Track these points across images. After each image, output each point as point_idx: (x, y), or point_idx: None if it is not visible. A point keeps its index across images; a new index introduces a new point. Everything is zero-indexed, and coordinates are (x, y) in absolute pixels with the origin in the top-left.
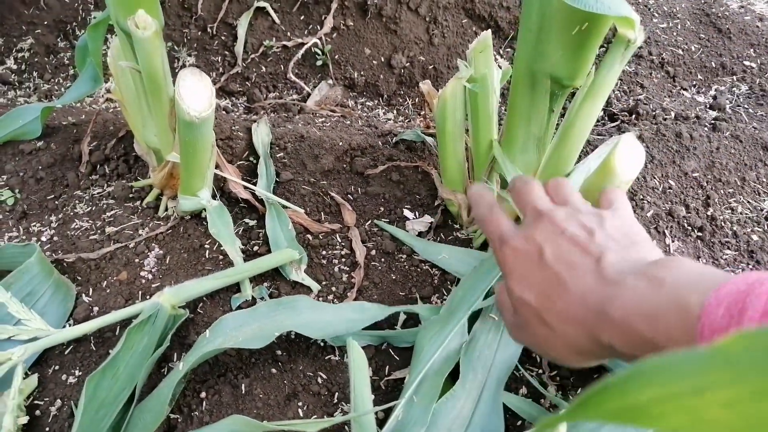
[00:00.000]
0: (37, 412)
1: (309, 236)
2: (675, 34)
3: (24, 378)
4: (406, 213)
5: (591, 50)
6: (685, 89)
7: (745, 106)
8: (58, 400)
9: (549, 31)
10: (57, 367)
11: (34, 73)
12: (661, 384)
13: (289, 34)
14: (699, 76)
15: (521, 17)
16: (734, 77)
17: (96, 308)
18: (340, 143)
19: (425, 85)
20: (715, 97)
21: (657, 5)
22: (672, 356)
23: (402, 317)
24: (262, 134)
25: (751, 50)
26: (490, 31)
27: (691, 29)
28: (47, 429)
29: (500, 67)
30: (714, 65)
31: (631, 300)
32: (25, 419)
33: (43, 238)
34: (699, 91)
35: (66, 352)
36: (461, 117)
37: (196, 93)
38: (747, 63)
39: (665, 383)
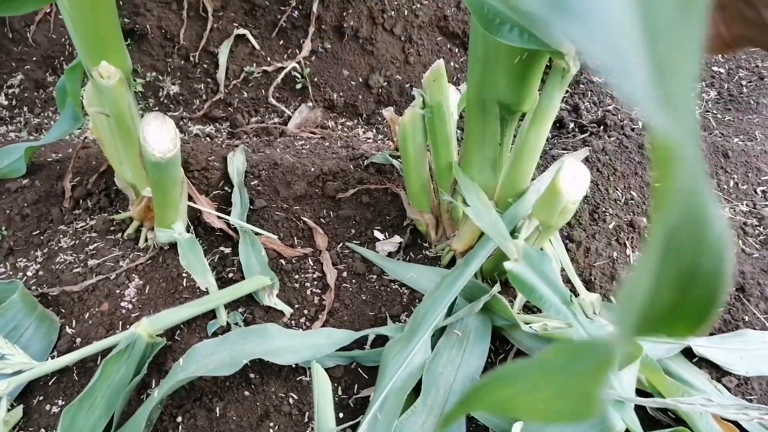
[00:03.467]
0: None
1: (282, 261)
2: None
3: (9, 410)
4: (377, 234)
5: (534, 78)
6: None
7: (713, 111)
8: (42, 430)
9: (494, 60)
10: (41, 398)
11: (25, 108)
12: (513, 385)
13: (269, 59)
14: None
15: (469, 47)
16: (703, 83)
17: (79, 339)
18: (312, 168)
19: (388, 112)
20: None
21: None
22: (520, 364)
23: (371, 337)
24: (237, 163)
25: (720, 56)
26: (442, 60)
27: None
28: None
29: (459, 92)
30: None
31: None
32: None
33: (29, 273)
34: None
35: (50, 383)
36: (422, 141)
37: (159, 136)
38: (715, 69)
39: (514, 384)
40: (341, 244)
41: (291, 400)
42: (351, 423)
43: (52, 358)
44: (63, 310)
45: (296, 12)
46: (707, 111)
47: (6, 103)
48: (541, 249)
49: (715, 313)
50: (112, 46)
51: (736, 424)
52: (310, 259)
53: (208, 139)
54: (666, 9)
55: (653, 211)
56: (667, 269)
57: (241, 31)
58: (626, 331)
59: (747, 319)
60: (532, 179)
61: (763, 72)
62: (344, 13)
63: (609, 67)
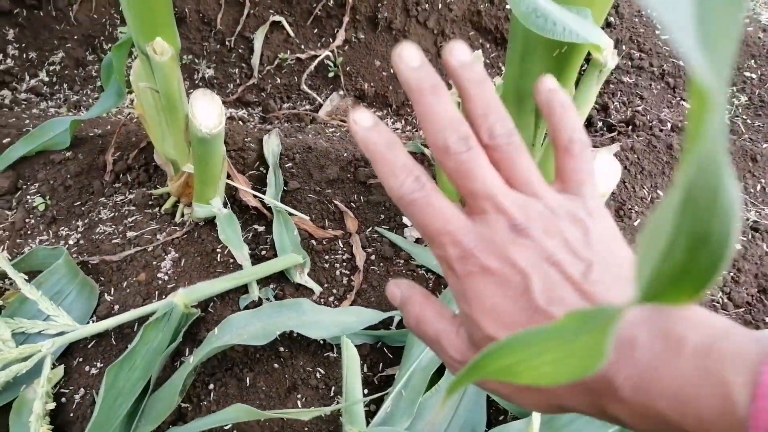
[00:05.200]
0: (63, 400)
1: (313, 242)
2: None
3: (52, 368)
4: (405, 220)
5: (571, 70)
6: (684, 100)
7: (743, 116)
8: (82, 389)
9: (532, 52)
10: (81, 359)
11: (65, 85)
12: (519, 351)
13: (303, 46)
14: None
15: (509, 39)
16: (734, 88)
17: (117, 306)
18: (345, 154)
19: None
20: None
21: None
22: (527, 332)
23: (396, 318)
24: (272, 145)
25: (752, 61)
26: (480, 50)
27: None
28: (71, 414)
29: (494, 83)
30: None
31: (646, 371)
32: (52, 405)
33: (71, 242)
34: None
35: (89, 346)
36: None
37: (207, 112)
38: (747, 74)
39: (522, 351)
40: (370, 228)
41: (318, 375)
42: (375, 398)
43: (92, 322)
44: (102, 278)
45: (331, 1)
46: (737, 116)
47: (47, 79)
48: None
49: (717, 279)
50: (164, 25)
51: None
52: (340, 242)
53: (241, 122)
54: None
55: (680, 165)
56: (683, 229)
57: (277, 18)
58: (639, 291)
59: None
60: None
61: None
62: (379, 5)
63: (666, 24)
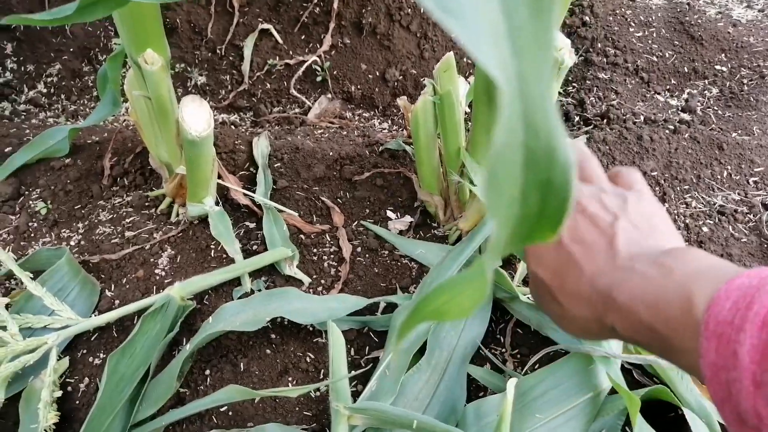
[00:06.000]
0: (69, 389)
1: (302, 236)
2: (650, 41)
3: (58, 360)
4: (389, 214)
5: None
6: (658, 93)
7: (714, 108)
8: (86, 378)
9: None
10: (85, 351)
11: (62, 96)
12: (446, 293)
13: (291, 52)
14: (672, 81)
15: None
16: (706, 81)
17: (117, 301)
18: (331, 153)
19: (401, 101)
20: (687, 101)
21: (634, 15)
22: (449, 280)
23: (382, 305)
24: (261, 147)
25: (722, 55)
26: (452, 53)
27: (665, 37)
28: (77, 402)
29: (469, 83)
30: (687, 70)
31: (638, 286)
32: (59, 393)
33: (72, 243)
34: (672, 95)
35: (92, 338)
36: (433, 128)
37: (196, 117)
38: (718, 67)
39: (447, 293)
40: (356, 222)
41: (308, 359)
42: (360, 376)
43: (95, 316)
44: (103, 276)
45: (318, 8)
46: (708, 107)
47: (45, 90)
48: None
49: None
50: (154, 37)
51: None
52: (327, 235)
53: (233, 127)
54: (522, 13)
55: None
56: (531, 181)
57: (266, 25)
58: (499, 241)
59: None
60: None
61: (764, 71)
62: (363, 10)
63: (480, 52)
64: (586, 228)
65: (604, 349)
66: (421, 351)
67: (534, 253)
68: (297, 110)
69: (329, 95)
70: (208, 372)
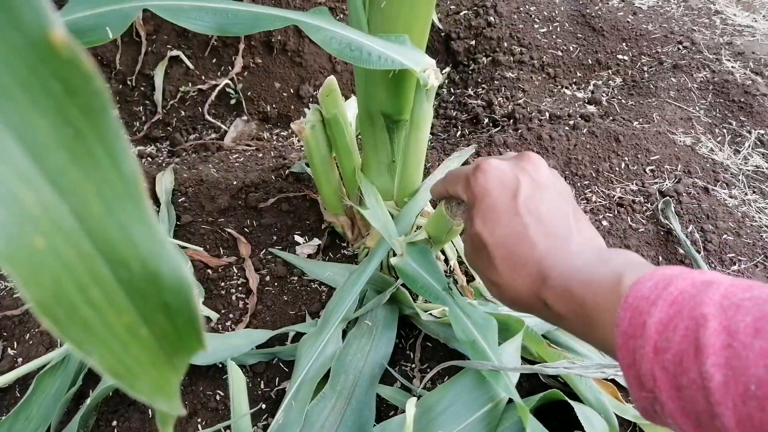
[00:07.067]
0: None
1: (209, 270)
2: (554, 37)
3: None
4: (297, 238)
5: (408, 89)
6: (565, 87)
7: (618, 97)
8: None
9: (373, 76)
10: None
11: None
12: None
13: (203, 77)
14: (578, 74)
15: (354, 67)
16: (609, 71)
17: (20, 359)
18: (235, 182)
19: (295, 125)
20: (592, 92)
21: (538, 11)
22: None
23: (291, 335)
24: (165, 183)
25: (623, 44)
26: (333, 76)
27: (569, 31)
28: None
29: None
30: (591, 62)
31: (577, 266)
32: None
33: None
34: (579, 88)
35: None
36: (327, 151)
37: None
38: (620, 57)
39: None
40: (264, 250)
41: (218, 397)
42: (273, 411)
43: None
44: (5, 333)
45: None
46: (613, 97)
47: None
48: (427, 244)
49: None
50: None
51: (614, 382)
52: (234, 267)
53: (149, 159)
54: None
55: None
56: (143, 306)
57: (175, 52)
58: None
59: None
60: (425, 177)
61: (663, 57)
62: (272, 30)
63: None
64: (549, 202)
65: (492, 363)
66: (324, 378)
67: (484, 216)
68: (213, 135)
69: (245, 117)
70: (115, 423)
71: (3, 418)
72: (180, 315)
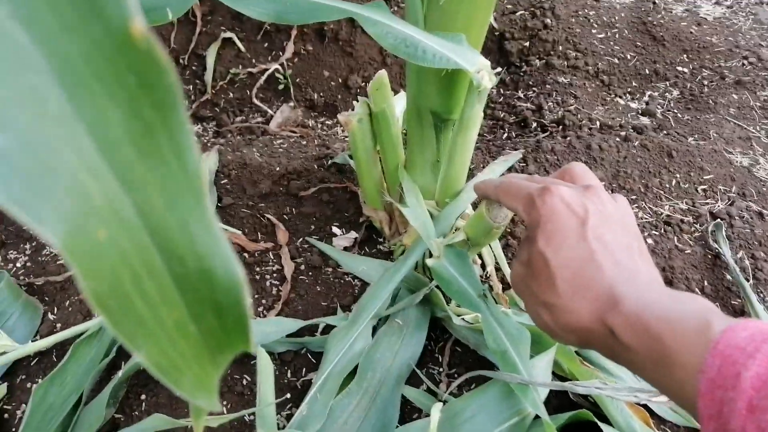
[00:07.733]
0: (6, 416)
1: (246, 254)
2: (612, 43)
3: None
4: (335, 230)
5: (460, 89)
6: (619, 96)
7: (675, 110)
8: (23, 405)
9: (426, 73)
10: (24, 377)
11: None
12: None
13: (254, 60)
14: (633, 84)
15: (405, 63)
16: (667, 83)
17: (59, 325)
18: (278, 168)
19: (342, 116)
20: (647, 103)
21: (597, 16)
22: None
23: (321, 326)
24: (210, 164)
25: (684, 56)
26: (384, 71)
27: (628, 38)
28: (14, 429)
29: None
30: (648, 72)
31: (653, 300)
32: None
33: (18, 264)
34: (633, 98)
35: (32, 364)
36: (371, 145)
37: None
38: (680, 68)
39: None
40: (301, 239)
41: (245, 382)
42: (298, 401)
43: (34, 341)
44: (47, 298)
45: None
46: (668, 110)
47: None
48: (465, 246)
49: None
50: None
51: (646, 407)
52: (271, 253)
53: (195, 138)
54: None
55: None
56: (194, 302)
57: (228, 34)
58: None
59: None
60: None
61: (725, 72)
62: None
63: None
64: (613, 233)
65: (523, 377)
66: (352, 373)
67: (551, 230)
68: (259, 119)
69: (292, 103)
70: (144, 397)
71: (40, 381)
72: (230, 314)
